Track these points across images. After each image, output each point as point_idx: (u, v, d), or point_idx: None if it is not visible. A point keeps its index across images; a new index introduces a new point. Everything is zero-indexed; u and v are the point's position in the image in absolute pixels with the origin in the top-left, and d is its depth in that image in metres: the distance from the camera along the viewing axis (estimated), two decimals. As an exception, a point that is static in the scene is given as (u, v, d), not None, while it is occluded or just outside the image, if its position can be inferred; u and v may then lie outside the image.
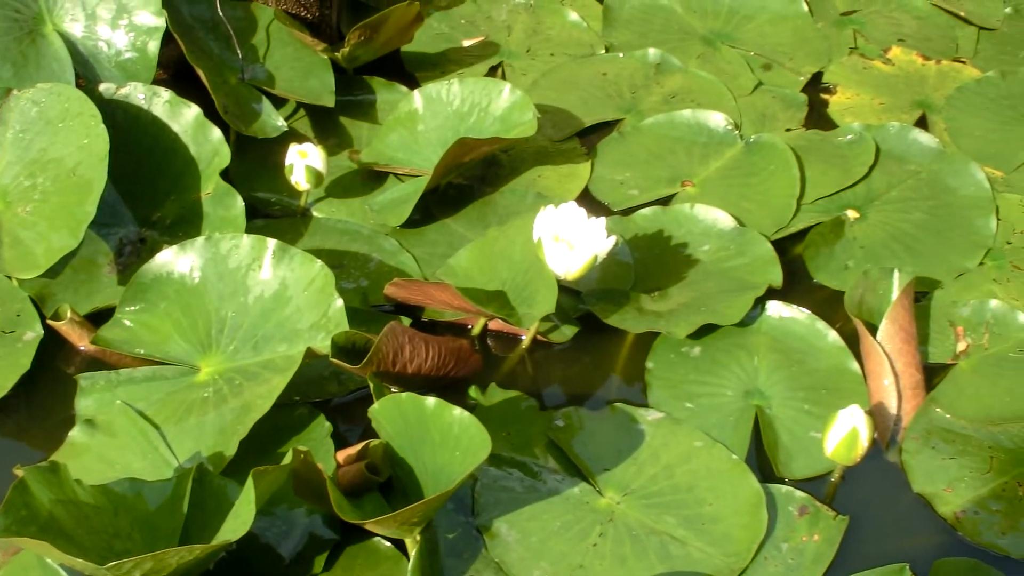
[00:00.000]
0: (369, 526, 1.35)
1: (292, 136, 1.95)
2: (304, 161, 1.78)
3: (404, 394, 1.42)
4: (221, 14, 1.97)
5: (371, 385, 1.48)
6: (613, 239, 1.64)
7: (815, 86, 2.22)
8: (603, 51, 2.25)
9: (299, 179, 1.79)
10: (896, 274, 1.75)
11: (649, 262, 1.84)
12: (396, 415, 1.42)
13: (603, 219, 1.65)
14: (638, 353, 1.72)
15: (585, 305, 1.75)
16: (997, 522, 1.54)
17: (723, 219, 1.88)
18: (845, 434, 1.47)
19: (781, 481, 1.57)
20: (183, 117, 1.80)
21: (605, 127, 2.10)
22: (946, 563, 1.46)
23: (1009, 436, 1.63)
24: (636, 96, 2.15)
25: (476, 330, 1.73)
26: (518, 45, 2.25)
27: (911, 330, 1.69)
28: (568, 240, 1.61)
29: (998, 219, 1.94)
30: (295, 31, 2.01)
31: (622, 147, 2.04)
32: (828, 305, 1.79)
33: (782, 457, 1.60)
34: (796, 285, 1.83)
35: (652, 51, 2.21)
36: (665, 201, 1.95)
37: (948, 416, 1.65)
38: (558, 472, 1.56)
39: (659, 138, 2.05)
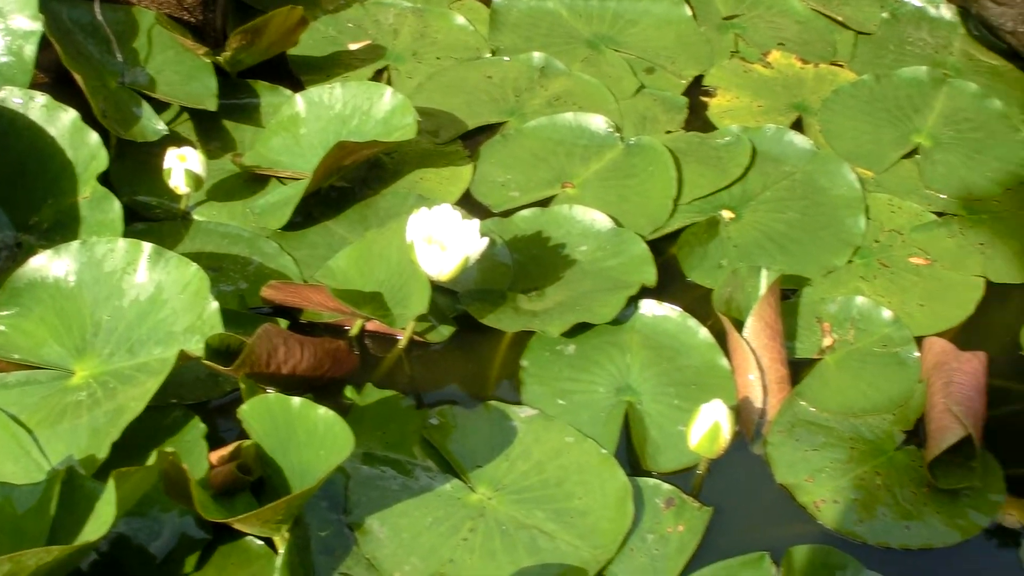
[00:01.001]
0: (235, 524, 1.37)
1: (175, 140, 1.96)
2: (183, 165, 1.78)
3: (272, 395, 1.44)
4: (100, 18, 1.97)
5: (242, 387, 1.49)
6: (486, 240, 1.67)
7: (696, 89, 2.27)
8: (489, 55, 2.28)
9: (178, 183, 1.80)
10: (764, 272, 1.81)
11: (528, 262, 1.87)
12: (265, 415, 1.44)
13: (476, 221, 1.68)
14: (515, 352, 1.76)
15: (462, 305, 1.78)
16: (855, 510, 1.60)
17: (600, 220, 1.92)
18: (707, 428, 1.51)
19: (649, 474, 1.62)
20: (60, 121, 1.80)
21: (489, 130, 2.13)
22: (800, 550, 1.51)
23: (869, 427, 1.69)
24: (520, 99, 2.18)
25: (354, 331, 1.75)
26: (405, 48, 2.28)
27: (777, 326, 1.75)
28: (441, 242, 1.64)
29: (868, 218, 2.00)
30: (176, 35, 2.02)
31: (505, 149, 2.08)
32: (701, 303, 1.84)
33: (650, 451, 1.65)
34: (671, 284, 1.88)
35: (537, 55, 2.25)
36: (545, 202, 1.98)
37: (812, 409, 1.71)
38: (432, 469, 1.59)
39: (541, 140, 2.09)
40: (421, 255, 1.63)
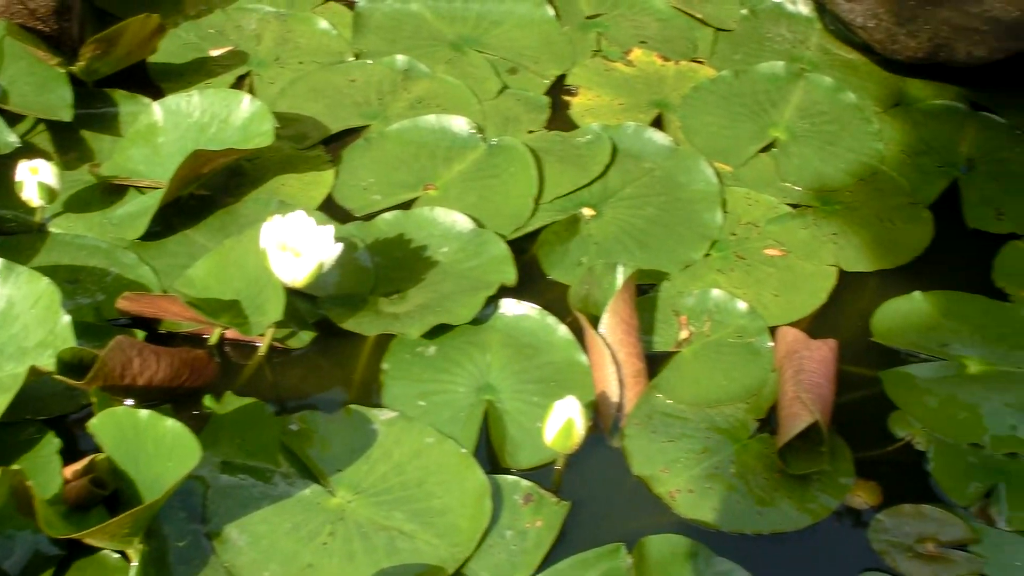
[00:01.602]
0: (84, 539, 1.36)
1: (31, 151, 1.94)
2: (35, 177, 1.77)
3: (120, 408, 1.44)
4: (-53, 30, 1.95)
5: (94, 400, 1.49)
6: (340, 246, 1.68)
7: (559, 89, 2.30)
8: (352, 58, 2.29)
9: (31, 196, 1.78)
10: (620, 269, 1.84)
11: (389, 266, 1.89)
12: (114, 429, 1.44)
13: (331, 227, 1.69)
14: (377, 355, 1.77)
15: (322, 310, 1.79)
16: (709, 498, 1.64)
17: (462, 221, 1.94)
18: (561, 425, 1.54)
19: (509, 472, 1.64)
20: (-93, 136, 1.78)
21: (352, 133, 2.14)
22: (651, 540, 1.54)
23: (724, 417, 1.74)
24: (383, 102, 2.19)
25: (213, 339, 1.75)
26: (267, 54, 2.27)
27: (633, 322, 1.78)
28: (294, 248, 1.64)
29: (725, 212, 2.05)
30: (28, 45, 1.99)
31: (367, 153, 2.09)
32: (562, 301, 1.86)
33: (509, 449, 1.67)
34: (532, 282, 1.90)
35: (400, 57, 2.26)
36: (408, 205, 2.00)
37: (669, 401, 1.75)
38: (291, 476, 1.59)
39: (404, 143, 2.10)
40: (275, 262, 1.64)
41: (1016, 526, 1.64)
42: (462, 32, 2.37)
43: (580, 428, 1.55)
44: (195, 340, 1.76)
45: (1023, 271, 2.01)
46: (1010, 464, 1.71)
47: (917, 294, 1.94)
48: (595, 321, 1.77)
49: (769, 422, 1.74)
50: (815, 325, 1.90)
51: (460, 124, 2.12)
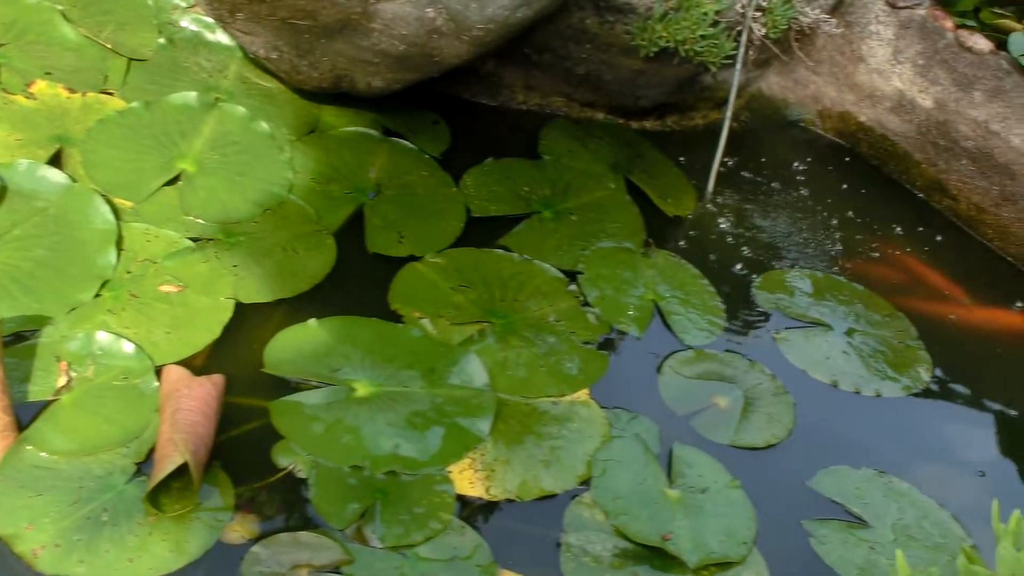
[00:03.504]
0: None
1: None
2: None
3: None
4: None
5: None
6: None
7: (-61, 126, 2.17)
8: None
9: None
10: (-16, 319, 1.77)
11: None
12: None
13: None
14: None
15: None
16: (77, 551, 1.60)
17: None
18: None
19: None
20: None
21: None
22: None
23: (101, 464, 1.71)
24: None
25: None
26: None
27: (-4, 374, 1.71)
28: None
29: (120, 250, 2.01)
30: None
31: None
32: (-68, 354, 1.77)
33: None
34: None
35: None
36: None
37: (42, 454, 1.69)
38: None
39: None
40: None
41: (389, 543, 1.72)
42: None
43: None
44: None
45: (416, 292, 2.10)
46: (388, 483, 1.79)
47: (312, 322, 1.98)
48: (-43, 376, 1.68)
49: (149, 465, 1.72)
50: (210, 360, 1.90)
51: None
